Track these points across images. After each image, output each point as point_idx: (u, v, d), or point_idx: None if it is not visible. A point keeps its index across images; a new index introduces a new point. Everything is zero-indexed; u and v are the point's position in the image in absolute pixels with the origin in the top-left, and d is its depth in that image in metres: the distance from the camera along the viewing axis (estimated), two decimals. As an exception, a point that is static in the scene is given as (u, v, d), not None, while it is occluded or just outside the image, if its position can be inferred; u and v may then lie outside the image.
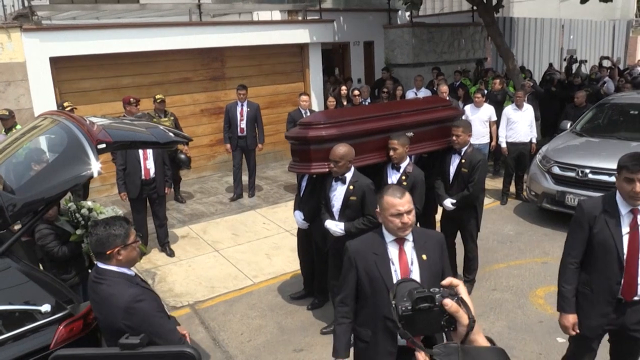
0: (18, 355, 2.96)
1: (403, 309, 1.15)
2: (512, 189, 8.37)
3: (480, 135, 8.42)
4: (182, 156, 7.66)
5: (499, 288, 5.49)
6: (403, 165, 4.77)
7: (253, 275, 6.03)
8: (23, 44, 8.01)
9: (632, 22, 22.34)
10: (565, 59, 15.74)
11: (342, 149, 4.23)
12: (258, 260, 6.42)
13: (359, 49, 13.41)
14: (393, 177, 4.81)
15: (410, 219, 2.76)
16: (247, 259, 6.46)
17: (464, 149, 5.12)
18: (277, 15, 11.97)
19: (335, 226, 4.36)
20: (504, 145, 8.24)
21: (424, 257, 2.84)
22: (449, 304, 1.16)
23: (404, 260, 2.83)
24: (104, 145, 3.32)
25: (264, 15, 12.07)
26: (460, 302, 1.18)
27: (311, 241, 5.04)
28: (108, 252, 2.62)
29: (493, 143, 8.49)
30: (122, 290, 2.58)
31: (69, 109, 7.17)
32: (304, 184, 4.99)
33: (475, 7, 12.16)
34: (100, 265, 2.68)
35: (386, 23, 13.60)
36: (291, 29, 10.90)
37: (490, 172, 9.51)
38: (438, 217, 5.60)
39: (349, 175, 4.34)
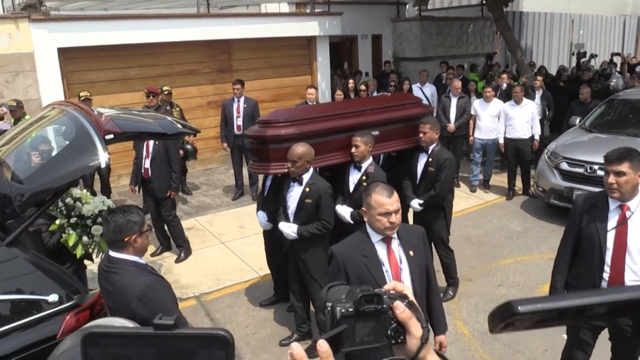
0: (25, 345, 2.97)
1: (343, 310, 0.89)
2: (519, 184, 8.33)
3: (489, 130, 8.36)
4: (189, 146, 7.66)
5: (505, 284, 5.47)
6: (365, 165, 4.54)
7: (259, 267, 6.03)
8: (31, 34, 8.02)
9: (643, 18, 22.08)
10: (573, 53, 15.62)
11: (300, 148, 4.03)
12: (264, 252, 6.39)
13: (366, 42, 13.36)
14: (354, 177, 4.61)
15: (398, 218, 2.73)
16: (253, 252, 6.45)
17: (431, 147, 4.93)
18: (284, 7, 11.94)
19: (288, 228, 4.19)
20: (501, 140, 8.19)
21: (412, 253, 2.82)
22: (401, 307, 0.91)
23: (393, 260, 2.79)
24: (111, 136, 3.32)
25: (271, 7, 12.04)
26: (412, 307, 0.94)
27: (278, 243, 4.71)
28: (126, 239, 2.63)
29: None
30: (136, 279, 2.59)
31: (83, 98, 7.19)
32: (268, 183, 4.80)
33: (484, 1, 12.09)
34: (113, 254, 2.68)
35: (394, 16, 13.54)
36: (299, 22, 10.86)
37: (497, 168, 9.49)
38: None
39: (306, 177, 4.14)
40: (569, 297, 0.80)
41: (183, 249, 6.36)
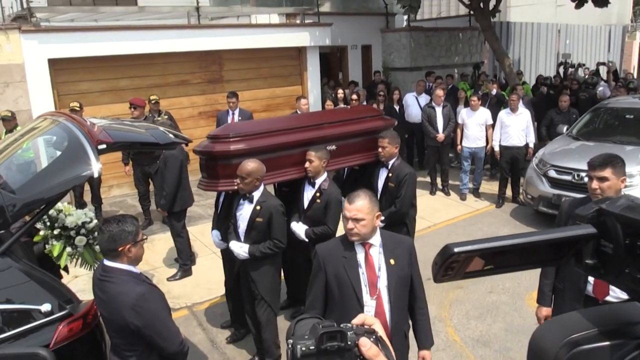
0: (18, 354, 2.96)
1: (303, 348, 0.85)
2: (509, 192, 8.41)
3: (476, 139, 8.47)
4: None
5: (495, 290, 5.52)
6: (318, 181, 4.41)
7: (251, 277, 6.03)
8: (22, 45, 8.02)
9: (628, 27, 22.48)
10: (561, 64, 15.83)
11: (250, 164, 3.89)
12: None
13: (356, 52, 13.45)
14: (308, 193, 4.47)
15: (355, 226, 2.73)
16: (244, 261, 6.45)
17: (391, 162, 4.80)
18: (275, 18, 12.01)
19: (240, 248, 4.03)
20: (496, 148, 8.29)
21: (392, 261, 2.82)
22: (367, 345, 0.86)
23: (370, 265, 2.81)
24: (104, 146, 3.33)
25: (262, 18, 12.11)
26: (379, 342, 0.89)
27: (233, 263, 4.49)
28: (120, 249, 2.65)
29: (489, 147, 8.54)
30: (129, 288, 2.61)
31: (72, 108, 7.11)
32: (221, 200, 4.66)
33: (472, 12, 12.24)
34: (107, 263, 2.70)
35: (384, 27, 13.66)
36: (289, 32, 10.94)
37: (487, 176, 9.58)
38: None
39: (256, 195, 3.98)
40: (496, 239, 0.88)
41: (181, 269, 6.19)
